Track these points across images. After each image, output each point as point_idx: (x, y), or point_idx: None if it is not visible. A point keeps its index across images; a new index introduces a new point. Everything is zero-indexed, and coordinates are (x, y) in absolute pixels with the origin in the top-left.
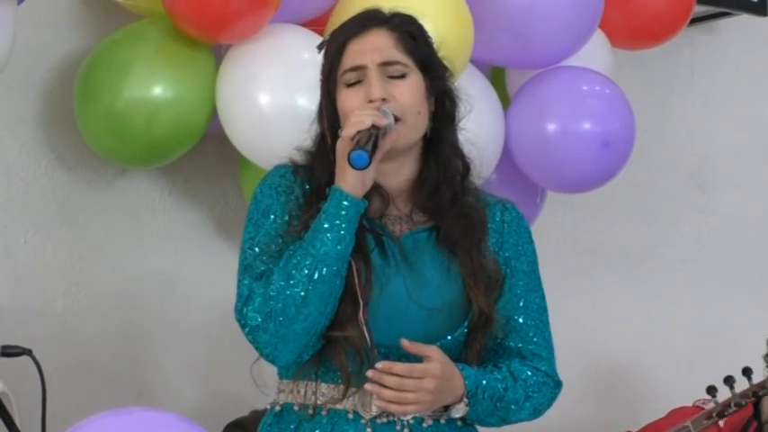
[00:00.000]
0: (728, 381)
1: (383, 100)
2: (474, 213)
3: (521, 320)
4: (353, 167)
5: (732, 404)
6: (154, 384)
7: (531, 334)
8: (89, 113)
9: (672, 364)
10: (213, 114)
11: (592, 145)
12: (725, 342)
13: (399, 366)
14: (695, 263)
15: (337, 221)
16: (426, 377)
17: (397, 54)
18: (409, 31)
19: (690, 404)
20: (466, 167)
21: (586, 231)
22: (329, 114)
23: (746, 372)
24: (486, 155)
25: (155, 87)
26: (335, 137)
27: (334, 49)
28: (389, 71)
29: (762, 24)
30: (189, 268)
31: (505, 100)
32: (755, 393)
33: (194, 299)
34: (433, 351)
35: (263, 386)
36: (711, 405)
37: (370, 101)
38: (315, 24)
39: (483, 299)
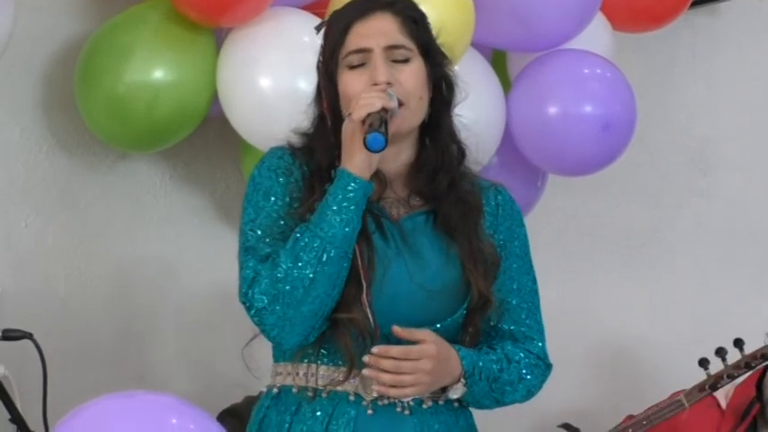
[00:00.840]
0: (720, 352)
1: (388, 84)
2: (470, 198)
3: (514, 302)
4: (370, 150)
5: (725, 375)
6: (155, 368)
7: (523, 316)
8: (90, 98)
9: (673, 347)
10: (214, 98)
11: (593, 128)
12: (726, 325)
13: (395, 349)
14: (696, 246)
15: (345, 203)
16: (423, 358)
17: (401, 38)
18: (412, 16)
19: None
20: (461, 152)
21: (587, 215)
22: (329, 96)
23: (738, 343)
24: (487, 138)
25: (155, 71)
26: (336, 118)
27: (336, 31)
28: (394, 55)
29: (763, 7)
30: (190, 252)
31: (506, 83)
32: (747, 364)
33: (195, 283)
34: (425, 334)
35: (256, 369)
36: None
37: (375, 84)
38: (315, 8)
39: (482, 282)
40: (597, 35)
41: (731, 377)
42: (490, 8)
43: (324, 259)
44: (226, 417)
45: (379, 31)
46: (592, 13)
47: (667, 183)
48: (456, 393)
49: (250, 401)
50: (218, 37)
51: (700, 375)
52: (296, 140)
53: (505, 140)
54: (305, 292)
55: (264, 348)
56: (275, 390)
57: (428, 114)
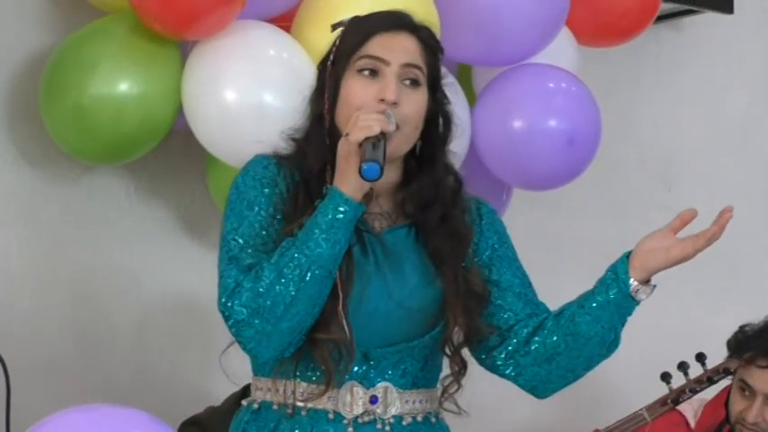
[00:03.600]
0: (682, 367)
1: (394, 104)
2: (463, 229)
3: (518, 290)
4: (365, 179)
5: (687, 390)
6: (118, 381)
7: (530, 296)
8: (54, 110)
9: (638, 362)
10: (179, 111)
11: (558, 142)
12: (691, 340)
13: None
14: None
15: (335, 225)
16: None
17: (420, 61)
18: (433, 47)
19: None
20: (459, 182)
21: (552, 229)
22: (331, 97)
23: (700, 357)
24: (452, 152)
25: (120, 84)
26: (333, 120)
27: (357, 34)
28: (408, 74)
29: (728, 22)
30: (154, 265)
31: (472, 97)
32: (710, 378)
33: (160, 295)
34: None
35: (232, 376)
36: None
37: (382, 99)
38: (281, 21)
39: (461, 315)
40: (562, 49)
41: (693, 391)
42: (456, 22)
43: (307, 278)
44: (187, 427)
45: (402, 47)
46: (557, 27)
47: (632, 196)
48: (645, 294)
49: (212, 412)
50: (184, 50)
51: (662, 390)
52: (283, 147)
53: (470, 154)
54: (285, 308)
55: (237, 358)
56: (255, 405)
57: (419, 147)
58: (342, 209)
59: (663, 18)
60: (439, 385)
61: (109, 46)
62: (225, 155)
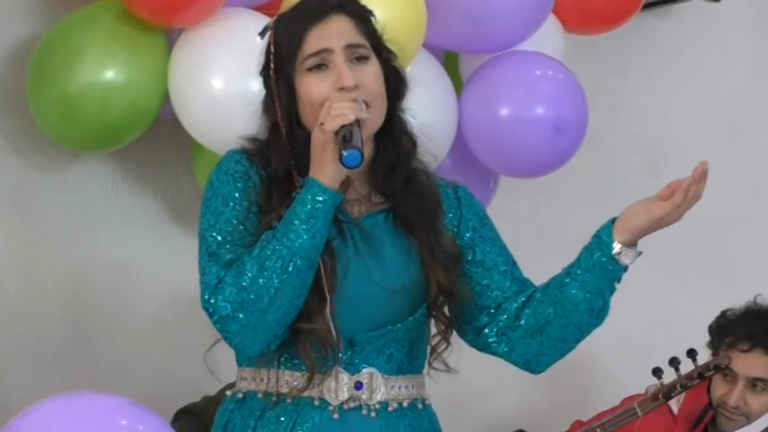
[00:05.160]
0: (673, 362)
1: (355, 87)
2: (427, 193)
3: (503, 268)
4: (346, 167)
5: (678, 385)
6: (106, 369)
7: (516, 274)
8: (41, 98)
9: (624, 351)
10: (166, 99)
11: (545, 130)
12: (677, 330)
13: None
14: (647, 249)
15: (314, 214)
16: None
17: (359, 37)
18: (363, 16)
19: (642, 392)
20: (413, 143)
21: (539, 217)
22: (285, 103)
23: (691, 353)
24: (439, 139)
25: (107, 72)
26: (291, 125)
27: (292, 35)
28: (354, 53)
29: (714, 10)
30: (141, 253)
31: (459, 85)
32: (701, 374)
33: (147, 284)
34: None
35: (218, 373)
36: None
37: (341, 88)
38: (267, 8)
39: (442, 273)
40: (549, 37)
41: (684, 387)
42: (442, 9)
43: (290, 269)
44: (183, 415)
45: (338, 31)
46: (544, 14)
47: (619, 184)
48: (629, 258)
49: (207, 401)
50: (170, 38)
51: (649, 379)
52: (250, 145)
53: (457, 142)
54: (269, 301)
55: (223, 350)
56: (240, 394)
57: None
58: (320, 198)
59: (650, 6)
60: (426, 366)
61: (95, 34)
62: (212, 143)
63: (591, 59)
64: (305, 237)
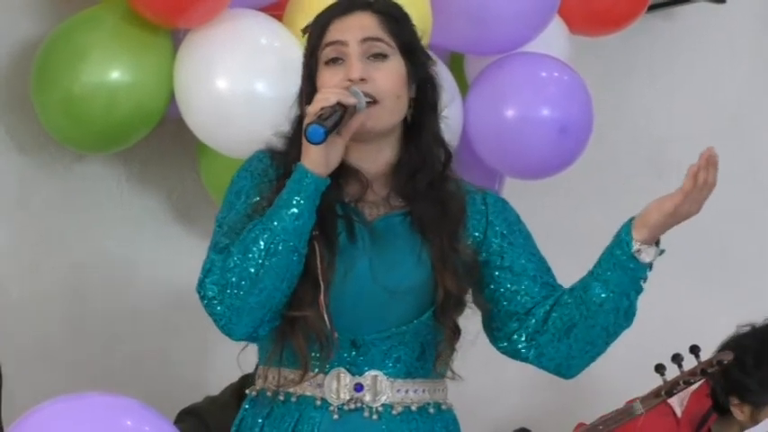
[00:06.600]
0: (676, 359)
1: (361, 80)
2: (452, 202)
3: (532, 273)
4: (308, 141)
5: (681, 382)
6: (111, 370)
7: (546, 279)
8: (46, 98)
9: (627, 352)
10: (171, 99)
11: (550, 131)
12: (680, 331)
13: None
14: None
15: (296, 197)
16: None
17: (380, 32)
18: (393, 15)
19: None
20: (448, 155)
21: (544, 217)
22: (308, 96)
23: (694, 350)
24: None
25: (112, 72)
26: None
27: (316, 30)
28: (372, 48)
29: (719, 11)
30: (146, 253)
31: (464, 86)
32: (703, 371)
33: (151, 284)
34: None
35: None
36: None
37: (350, 80)
38: (273, 9)
39: (451, 280)
40: (554, 38)
41: (687, 383)
42: (447, 11)
43: (271, 251)
44: (186, 416)
45: (357, 25)
46: (549, 16)
47: (625, 184)
48: (650, 256)
49: (210, 401)
50: (176, 38)
51: (653, 381)
52: (278, 144)
53: (462, 143)
54: (251, 283)
55: (224, 351)
56: (254, 393)
57: (411, 115)
58: (304, 181)
59: (655, 7)
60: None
61: (100, 34)
62: (217, 143)
63: (596, 61)
64: (287, 220)
